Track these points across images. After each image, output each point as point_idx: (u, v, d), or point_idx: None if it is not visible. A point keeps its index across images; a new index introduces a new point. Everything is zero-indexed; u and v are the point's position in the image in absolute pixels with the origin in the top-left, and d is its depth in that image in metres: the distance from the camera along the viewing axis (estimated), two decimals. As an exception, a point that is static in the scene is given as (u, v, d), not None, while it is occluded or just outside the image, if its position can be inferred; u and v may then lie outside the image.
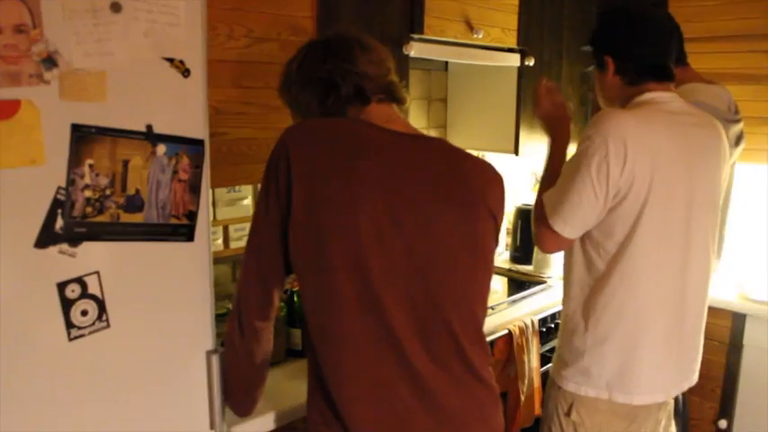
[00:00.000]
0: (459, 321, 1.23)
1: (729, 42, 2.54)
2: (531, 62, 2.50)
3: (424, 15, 2.08)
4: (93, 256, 1.23)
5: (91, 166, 1.21)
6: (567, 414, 1.71)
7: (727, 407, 2.55)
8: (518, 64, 2.50)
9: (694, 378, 1.75)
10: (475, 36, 2.25)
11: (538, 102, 1.86)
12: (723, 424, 2.56)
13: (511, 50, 2.47)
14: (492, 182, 1.30)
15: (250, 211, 2.06)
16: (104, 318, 1.27)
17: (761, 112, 2.49)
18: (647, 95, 1.62)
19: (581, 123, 2.81)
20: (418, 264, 1.20)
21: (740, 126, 2.02)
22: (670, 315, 1.64)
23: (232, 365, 1.39)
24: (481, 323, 1.29)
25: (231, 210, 2.05)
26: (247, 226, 2.03)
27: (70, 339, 1.23)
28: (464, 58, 2.30)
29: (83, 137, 1.19)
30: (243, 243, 2.00)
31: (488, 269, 1.30)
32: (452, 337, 1.22)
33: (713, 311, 2.25)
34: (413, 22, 2.07)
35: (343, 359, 1.21)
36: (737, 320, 2.51)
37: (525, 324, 2.30)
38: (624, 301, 1.60)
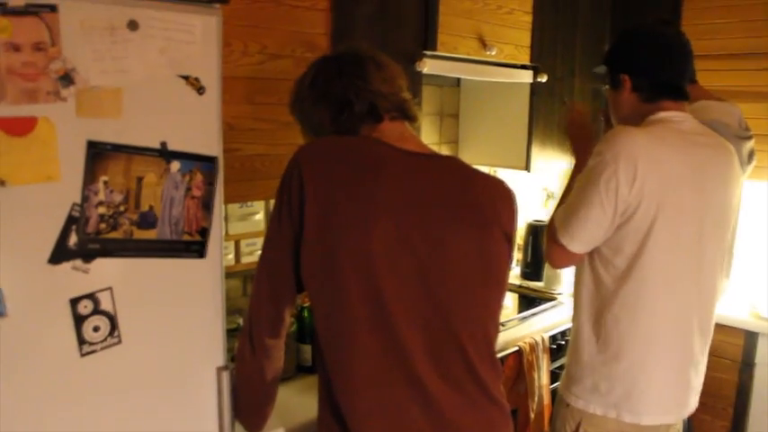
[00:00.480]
0: (471, 341, 1.22)
1: (740, 60, 2.53)
2: (543, 79, 2.50)
3: (437, 32, 2.09)
4: (106, 273, 1.24)
5: (105, 182, 1.21)
6: (576, 432, 1.70)
7: (738, 426, 2.52)
8: (530, 80, 2.50)
9: (697, 399, 1.74)
10: (488, 53, 2.25)
11: (566, 125, 1.87)
12: (735, 442, 2.54)
13: (524, 67, 2.47)
14: (504, 200, 1.30)
15: (262, 227, 2.07)
16: (116, 334, 1.27)
17: (774, 130, 2.49)
18: (662, 114, 1.62)
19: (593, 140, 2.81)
20: (430, 285, 1.19)
21: (752, 143, 2.01)
22: (680, 334, 1.63)
23: (243, 382, 1.39)
24: (493, 343, 1.29)
25: (243, 225, 2.05)
26: (259, 241, 2.05)
27: (82, 355, 1.23)
28: (477, 75, 2.31)
29: (98, 153, 1.20)
30: (254, 258, 2.02)
31: (501, 289, 1.30)
32: (464, 356, 1.22)
33: (726, 330, 2.24)
34: (426, 39, 2.08)
35: (354, 378, 1.20)
36: (750, 339, 2.49)
37: (535, 341, 2.29)
38: (634, 319, 1.60)
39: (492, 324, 1.28)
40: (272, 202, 2.12)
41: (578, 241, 1.59)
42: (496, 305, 1.29)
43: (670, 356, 1.62)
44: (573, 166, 1.85)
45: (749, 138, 2.00)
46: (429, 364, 1.20)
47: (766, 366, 2.47)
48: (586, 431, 1.68)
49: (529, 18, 2.42)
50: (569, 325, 2.30)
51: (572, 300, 1.78)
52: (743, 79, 2.55)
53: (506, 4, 2.33)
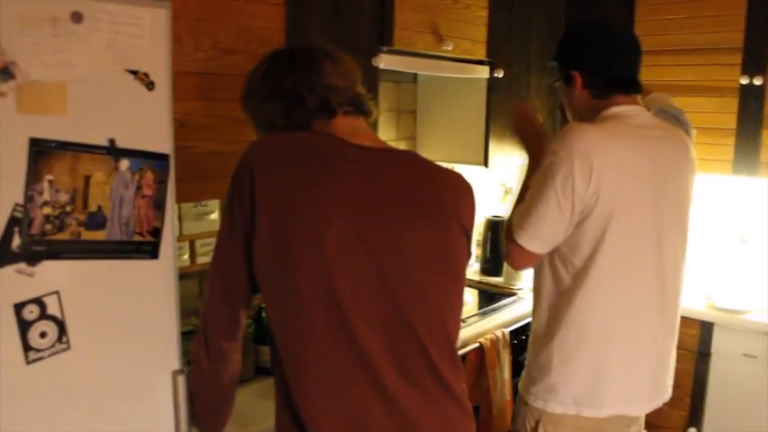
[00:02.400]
0: (430, 337, 1.20)
1: (695, 55, 2.58)
2: (500, 74, 2.51)
3: (393, 27, 2.07)
4: (53, 276, 1.19)
5: (50, 181, 1.16)
6: (535, 430, 1.69)
7: (696, 415, 2.57)
8: (487, 76, 2.50)
9: (668, 393, 1.75)
10: (444, 48, 2.25)
11: (514, 123, 1.87)
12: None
13: (480, 62, 2.47)
14: (462, 194, 1.29)
15: (217, 226, 2.01)
16: (65, 339, 1.22)
17: (726, 123, 2.53)
18: (615, 109, 1.62)
19: (549, 136, 2.83)
20: (388, 281, 1.17)
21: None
22: (640, 330, 1.63)
23: (199, 386, 1.35)
24: (454, 339, 1.27)
25: (198, 224, 2.00)
26: (214, 241, 2.00)
27: (28, 363, 1.17)
28: (434, 70, 2.30)
29: (42, 152, 1.15)
30: (210, 258, 1.96)
31: (460, 284, 1.28)
32: (424, 353, 1.20)
33: (682, 321, 2.27)
34: (382, 34, 2.06)
35: (313, 379, 1.17)
36: (705, 329, 2.53)
37: (497, 337, 2.29)
38: (591, 317, 1.60)
39: (452, 320, 1.26)
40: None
41: (537, 241, 1.58)
42: (456, 300, 1.28)
43: (629, 353, 1.62)
44: (527, 163, 1.85)
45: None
46: (389, 362, 1.17)
47: (721, 356, 2.53)
48: (546, 429, 1.67)
49: (485, 13, 2.42)
50: (530, 319, 2.31)
51: (532, 296, 1.78)
52: (694, 74, 2.60)
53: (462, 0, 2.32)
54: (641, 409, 1.69)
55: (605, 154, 1.52)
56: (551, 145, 1.57)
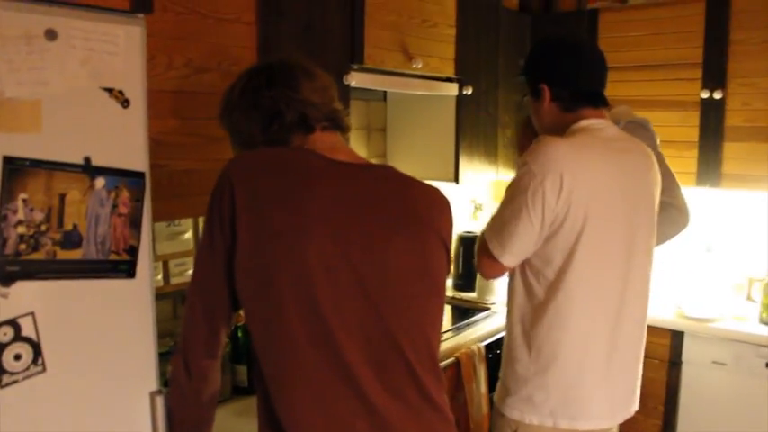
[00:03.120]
0: (413, 350, 1.20)
1: (657, 71, 2.65)
2: (468, 91, 2.54)
3: (364, 45, 2.09)
4: (28, 296, 1.16)
5: (24, 200, 1.14)
6: (511, 441, 1.70)
7: (669, 423, 2.60)
8: (456, 93, 2.53)
9: (636, 403, 1.77)
10: (414, 66, 2.27)
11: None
12: (666, 441, 2.62)
13: (449, 80, 2.50)
14: (440, 207, 1.30)
15: (191, 246, 2.00)
16: (40, 362, 1.19)
17: (689, 136, 2.61)
18: (584, 123, 1.65)
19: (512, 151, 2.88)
20: (370, 295, 1.17)
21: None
22: (612, 340, 1.65)
23: (178, 406, 1.33)
24: (436, 350, 1.28)
25: (171, 244, 1.98)
26: (189, 261, 1.98)
27: (2, 386, 1.14)
28: (404, 88, 2.32)
29: (16, 170, 1.13)
30: (184, 278, 1.95)
31: (441, 295, 1.29)
32: (407, 366, 1.20)
33: (653, 330, 2.31)
34: (353, 52, 2.08)
35: (297, 396, 1.16)
36: (676, 338, 2.58)
37: (472, 351, 2.30)
38: (565, 328, 1.61)
39: (433, 332, 1.27)
40: (202, 220, 2.06)
41: (509, 253, 1.60)
42: (437, 312, 1.28)
43: (603, 363, 1.65)
44: None
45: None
46: (372, 375, 1.17)
47: (692, 364, 2.57)
48: (522, 439, 1.68)
49: (452, 31, 2.46)
50: (504, 333, 2.33)
51: (506, 309, 1.79)
52: (657, 89, 2.67)
53: (430, 18, 2.36)
54: (616, 420, 1.71)
55: (576, 166, 1.55)
56: (522, 158, 1.60)
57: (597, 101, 1.68)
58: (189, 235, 2.00)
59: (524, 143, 1.82)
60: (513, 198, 1.57)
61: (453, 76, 2.50)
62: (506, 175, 2.84)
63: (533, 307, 1.65)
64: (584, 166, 1.56)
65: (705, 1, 2.57)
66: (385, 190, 1.24)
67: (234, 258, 1.17)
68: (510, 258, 1.60)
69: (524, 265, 1.64)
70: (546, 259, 1.60)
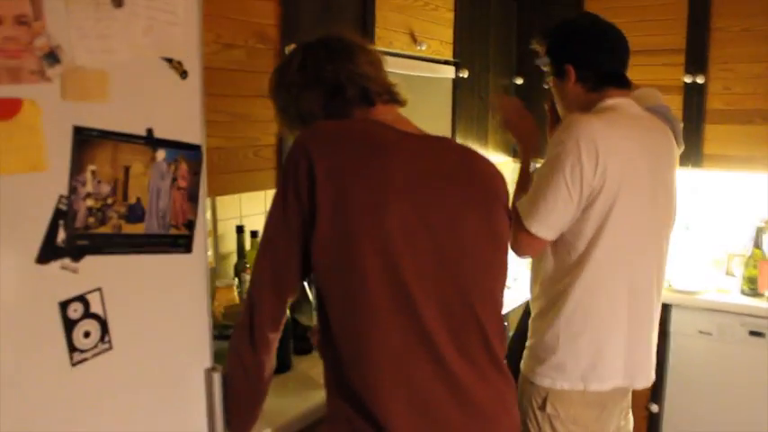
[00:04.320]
0: (485, 315, 1.24)
1: (642, 56, 2.72)
2: (465, 74, 2.58)
3: (374, 27, 2.10)
4: (95, 272, 1.13)
5: (93, 172, 1.11)
6: (542, 408, 1.75)
7: (657, 392, 2.72)
8: (453, 76, 2.57)
9: (653, 371, 1.85)
10: (418, 48, 2.29)
11: (506, 118, 1.93)
12: (654, 408, 2.73)
13: (446, 62, 2.53)
14: (499, 176, 1.34)
15: (210, 227, 1.97)
16: (107, 339, 1.16)
17: (675, 119, 2.72)
18: (610, 101, 1.71)
19: (501, 134, 2.93)
20: (447, 262, 1.20)
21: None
22: (637, 306, 1.73)
23: (238, 381, 1.32)
24: (502, 314, 1.31)
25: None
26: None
27: (73, 365, 1.11)
28: (409, 70, 2.34)
29: (85, 141, 1.09)
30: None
31: (507, 262, 1.33)
32: (481, 331, 1.23)
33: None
34: (365, 33, 2.08)
35: (376, 360, 1.17)
36: (664, 310, 2.68)
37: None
38: (597, 296, 1.68)
39: (501, 297, 1.31)
40: (220, 199, 2.03)
41: (547, 228, 1.65)
42: (504, 277, 1.32)
43: (629, 328, 1.72)
44: (522, 153, 1.92)
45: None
46: (449, 339, 1.20)
47: (680, 335, 2.69)
48: (554, 406, 1.74)
49: (451, 15, 2.50)
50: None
51: (530, 282, 1.84)
52: (641, 74, 2.70)
53: (432, 2, 2.38)
54: (641, 383, 1.79)
55: (609, 141, 1.60)
56: (557, 135, 1.64)
57: (622, 82, 1.74)
58: (208, 215, 1.97)
59: (554, 123, 1.88)
60: (551, 174, 1.61)
61: (451, 59, 2.53)
62: (497, 157, 2.89)
63: (564, 277, 1.70)
64: (617, 142, 1.62)
65: (688, -10, 2.69)
66: (453, 160, 1.27)
67: (312, 228, 1.17)
68: (550, 233, 1.65)
69: (556, 239, 1.69)
70: (577, 232, 1.65)
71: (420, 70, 2.39)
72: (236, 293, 1.94)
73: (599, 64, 1.73)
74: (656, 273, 1.76)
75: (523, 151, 1.91)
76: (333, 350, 1.24)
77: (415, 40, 2.27)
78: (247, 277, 2.06)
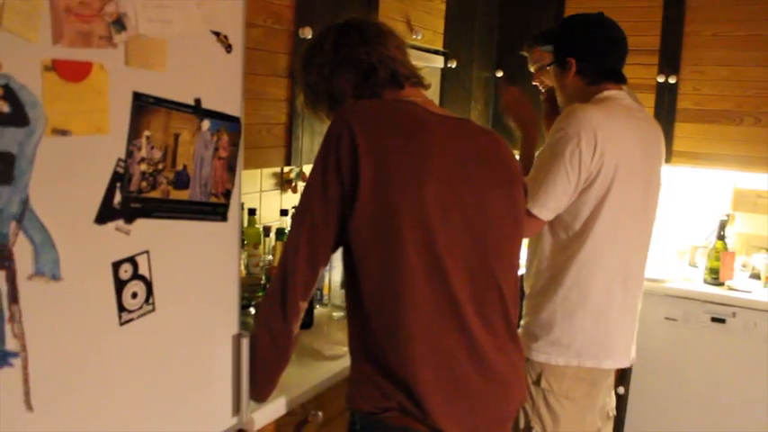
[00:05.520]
0: (506, 287, 1.32)
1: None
2: (453, 64, 2.66)
3: (378, 14, 2.16)
4: (144, 235, 1.17)
5: (148, 137, 1.15)
6: (536, 383, 1.86)
7: (624, 375, 2.88)
8: (442, 66, 2.65)
9: (634, 348, 1.98)
10: (414, 37, 2.36)
11: (507, 106, 2.02)
12: (621, 390, 2.88)
13: (436, 52, 2.61)
14: (514, 156, 1.43)
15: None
16: (151, 301, 1.20)
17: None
18: (606, 93, 1.83)
19: (485, 124, 3.03)
20: (476, 235, 1.28)
21: None
22: (628, 286, 1.85)
23: (266, 348, 1.36)
24: (518, 285, 1.40)
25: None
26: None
27: (121, 324, 1.15)
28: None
29: (142, 106, 1.13)
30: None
31: (523, 236, 1.43)
32: (502, 302, 1.32)
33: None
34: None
35: (409, 327, 1.24)
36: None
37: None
38: (593, 275, 1.79)
39: (518, 269, 1.40)
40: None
41: (547, 209, 1.75)
42: (520, 251, 1.41)
43: (621, 307, 1.84)
44: (522, 139, 2.02)
45: None
46: (474, 310, 1.28)
47: (647, 320, 2.82)
48: (548, 381, 1.84)
49: (443, 6, 2.57)
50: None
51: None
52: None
53: (427, -8, 2.46)
54: (628, 360, 1.92)
55: (607, 130, 1.72)
56: (557, 123, 1.75)
57: (618, 77, 1.86)
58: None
59: (549, 114, 1.98)
60: (552, 159, 1.72)
61: (441, 49, 2.61)
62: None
63: (561, 256, 1.81)
64: (614, 130, 1.73)
65: (663, -6, 2.85)
66: (480, 142, 1.35)
67: (352, 200, 1.23)
68: (549, 214, 1.75)
69: (554, 220, 1.80)
70: (575, 213, 1.76)
71: (416, 59, 2.44)
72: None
73: (598, 59, 1.84)
74: (644, 253, 1.89)
75: (524, 138, 2.01)
76: (362, 318, 1.30)
77: (411, 28, 2.34)
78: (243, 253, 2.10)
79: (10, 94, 0.94)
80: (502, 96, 2.07)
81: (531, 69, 2.10)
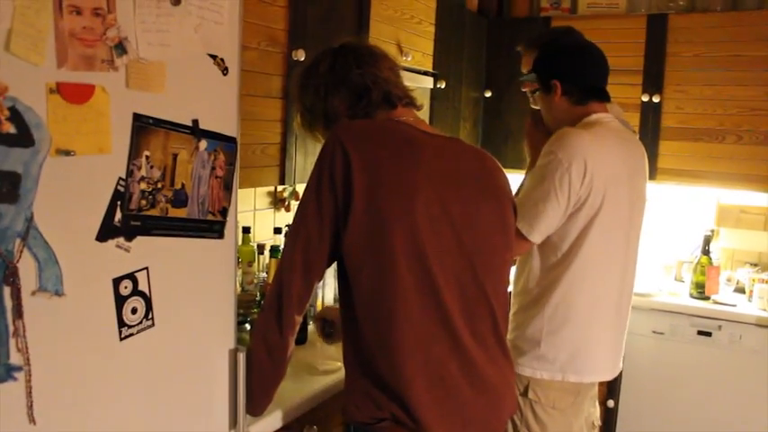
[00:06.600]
0: (496, 301, 1.36)
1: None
2: (442, 85, 2.72)
3: (369, 37, 2.21)
4: (144, 252, 1.20)
5: (147, 157, 1.19)
6: (524, 394, 1.89)
7: (613, 388, 2.92)
8: (431, 86, 2.71)
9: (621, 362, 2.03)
10: (404, 59, 2.42)
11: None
12: (611, 403, 2.92)
13: (425, 73, 2.67)
14: (504, 173, 1.47)
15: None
16: (150, 316, 1.23)
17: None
18: (594, 116, 1.87)
19: (474, 143, 3.08)
20: (465, 249, 1.32)
21: None
22: (613, 304, 1.89)
23: (261, 362, 1.39)
24: (508, 301, 1.44)
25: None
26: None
27: (121, 339, 1.18)
28: (397, 79, 2.46)
29: (142, 127, 1.17)
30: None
31: (513, 250, 1.47)
32: (491, 315, 1.36)
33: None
34: (360, 42, 2.19)
35: (401, 339, 1.28)
36: (620, 310, 2.90)
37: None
38: (577, 295, 1.83)
39: (508, 282, 1.44)
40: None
41: (537, 231, 1.78)
42: (510, 265, 1.46)
43: (606, 325, 1.88)
44: (530, 164, 2.04)
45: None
46: (464, 322, 1.32)
47: (635, 334, 2.88)
48: (535, 392, 1.88)
49: (432, 29, 2.64)
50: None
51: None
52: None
53: (416, 15, 2.52)
54: (612, 374, 1.96)
55: (596, 155, 1.76)
56: (547, 147, 1.79)
57: (602, 95, 1.91)
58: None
59: (533, 135, 2.03)
60: (542, 183, 1.76)
61: (430, 70, 2.67)
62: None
63: (548, 275, 1.84)
64: (603, 156, 1.78)
65: (646, 17, 2.92)
66: (469, 159, 1.40)
67: (345, 215, 1.27)
68: (538, 236, 1.79)
69: (542, 241, 1.84)
70: (563, 235, 1.80)
71: (407, 80, 2.51)
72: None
73: (582, 79, 1.89)
74: (632, 271, 1.94)
75: (531, 163, 2.05)
76: (356, 331, 1.34)
77: (401, 50, 2.40)
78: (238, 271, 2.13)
79: (16, 116, 0.98)
80: (525, 123, 2.11)
81: (523, 70, 2.11)
